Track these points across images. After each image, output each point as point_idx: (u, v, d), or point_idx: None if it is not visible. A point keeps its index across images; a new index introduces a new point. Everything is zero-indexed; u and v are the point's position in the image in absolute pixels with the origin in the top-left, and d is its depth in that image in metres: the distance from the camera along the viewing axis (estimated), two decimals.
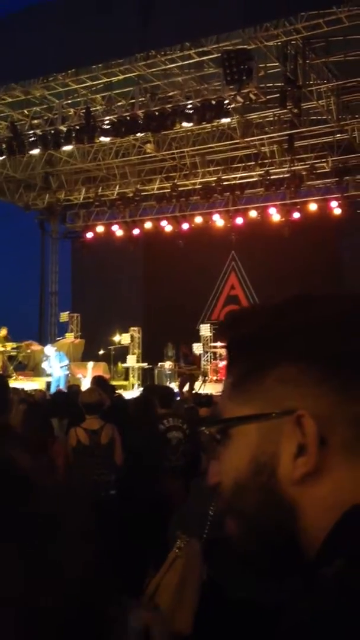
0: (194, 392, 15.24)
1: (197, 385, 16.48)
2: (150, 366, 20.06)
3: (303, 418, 0.71)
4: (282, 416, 0.72)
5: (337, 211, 18.78)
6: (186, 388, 16.46)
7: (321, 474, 0.70)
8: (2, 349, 17.62)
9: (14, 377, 16.78)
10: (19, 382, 15.51)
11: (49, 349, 17.13)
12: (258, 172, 18.41)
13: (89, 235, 22.93)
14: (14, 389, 8.14)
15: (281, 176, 18.19)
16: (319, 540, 0.69)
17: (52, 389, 15.34)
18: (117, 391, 11.36)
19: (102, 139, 15.24)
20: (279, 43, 12.90)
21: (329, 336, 0.73)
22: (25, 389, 13.80)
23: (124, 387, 18.60)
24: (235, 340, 0.80)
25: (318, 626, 0.59)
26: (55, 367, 16.46)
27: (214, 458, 0.78)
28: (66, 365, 16.67)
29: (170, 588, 2.25)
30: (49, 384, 16.59)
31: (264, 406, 0.74)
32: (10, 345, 17.90)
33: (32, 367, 18.89)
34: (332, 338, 0.73)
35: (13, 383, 13.55)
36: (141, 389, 17.09)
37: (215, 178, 18.95)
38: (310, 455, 0.70)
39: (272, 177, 18.07)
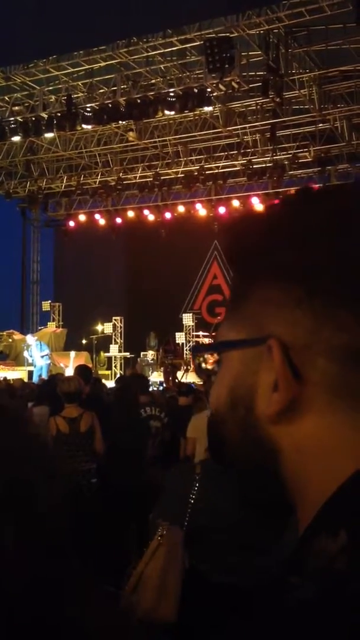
0: (176, 381, 15.28)
1: (179, 374, 16.51)
2: (133, 356, 20.07)
3: (272, 347, 0.60)
4: (257, 344, 0.62)
5: None
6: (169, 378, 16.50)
7: (300, 413, 0.60)
8: None
9: None
10: (0, 372, 15.44)
11: (30, 338, 17.08)
12: (240, 162, 18.39)
13: (71, 223, 22.80)
14: None
15: (263, 165, 18.19)
16: (305, 492, 0.60)
17: (34, 379, 15.29)
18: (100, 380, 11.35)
19: (84, 126, 15.14)
20: (261, 31, 12.86)
21: (314, 246, 0.60)
22: (7, 378, 13.76)
23: (106, 377, 18.59)
24: (229, 255, 0.71)
25: (330, 613, 0.49)
26: (37, 356, 16.41)
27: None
28: (47, 355, 16.61)
29: (154, 577, 2.27)
30: (30, 373, 16.53)
31: (249, 330, 0.64)
32: None
33: (13, 357, 18.81)
34: (316, 248, 0.60)
35: None
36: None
37: (197, 167, 18.91)
38: (281, 391, 0.60)
39: (254, 166, 18.06)
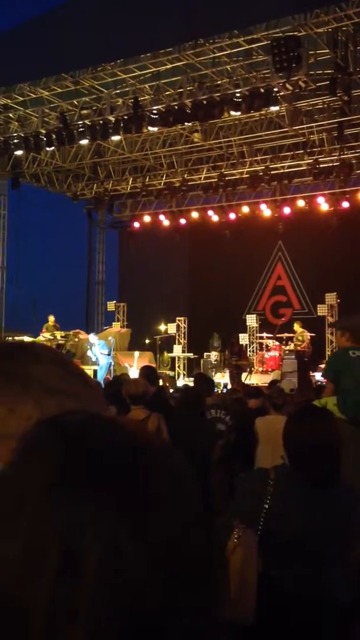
0: (240, 382, 15.21)
1: (243, 376, 16.44)
2: (196, 356, 20.10)
3: None
4: None
5: None
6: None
7: None
8: (51, 337, 17.89)
9: None
10: None
11: (92, 337, 17.40)
12: (306, 161, 18.17)
13: (136, 225, 23.04)
14: None
15: (330, 165, 17.91)
16: None
17: (99, 377, 15.52)
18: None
19: (150, 128, 15.28)
20: (329, 29, 12.67)
21: None
22: None
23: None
24: None
25: None
26: (100, 355, 16.65)
27: None
28: (108, 354, 16.81)
29: (232, 576, 2.28)
30: (95, 372, 16.78)
31: None
32: (59, 334, 18.17)
33: (80, 356, 19.12)
34: None
35: None
36: (186, 378, 17.18)
37: (262, 167, 18.78)
38: None
39: (320, 165, 17.81)
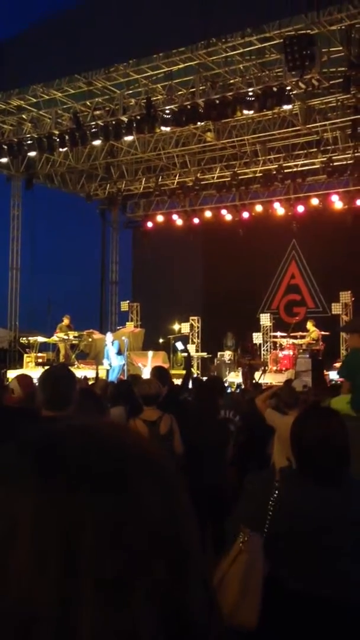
0: (253, 382, 15.16)
1: (257, 375, 16.39)
2: (210, 356, 20.08)
3: None
4: None
5: None
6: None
7: None
8: (65, 337, 17.95)
9: (76, 366, 17.08)
10: (80, 370, 15.78)
11: (109, 337, 17.42)
12: (320, 159, 18.10)
13: (149, 224, 23.06)
14: (78, 377, 8.27)
15: (344, 163, 17.83)
16: None
17: (111, 377, 15.53)
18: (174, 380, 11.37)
19: (163, 128, 15.28)
20: (343, 27, 12.60)
21: None
22: (88, 376, 14.06)
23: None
24: None
25: None
26: (113, 356, 16.65)
27: None
28: (121, 355, 16.78)
29: (235, 582, 2.28)
30: (107, 373, 16.80)
31: None
32: (72, 334, 18.22)
33: (93, 356, 19.17)
34: None
35: (75, 371, 13.76)
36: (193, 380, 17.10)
37: (276, 166, 18.73)
38: None
39: (334, 163, 17.73)
